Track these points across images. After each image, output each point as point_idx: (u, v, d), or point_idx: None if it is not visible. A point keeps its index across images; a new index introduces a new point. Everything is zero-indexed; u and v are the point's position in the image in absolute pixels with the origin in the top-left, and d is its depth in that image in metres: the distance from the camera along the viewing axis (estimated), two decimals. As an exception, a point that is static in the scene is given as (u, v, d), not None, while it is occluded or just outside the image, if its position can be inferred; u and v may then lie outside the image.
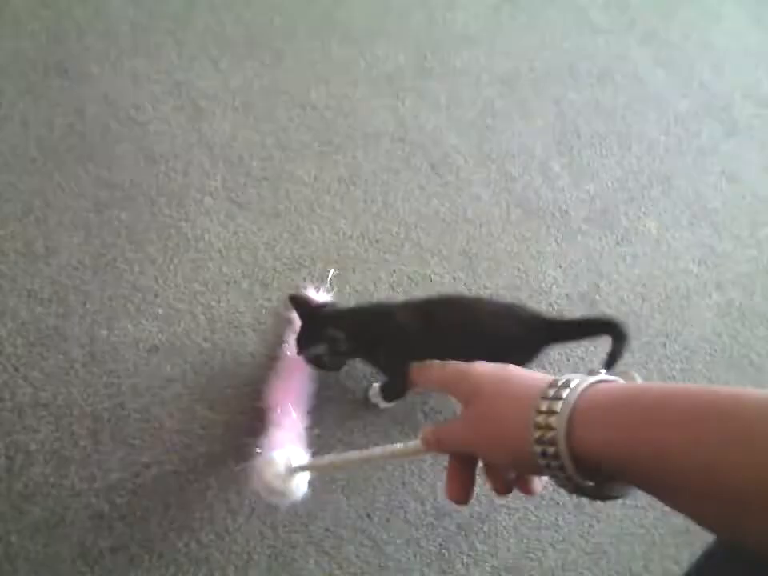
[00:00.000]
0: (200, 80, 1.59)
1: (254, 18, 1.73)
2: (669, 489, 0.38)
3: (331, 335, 1.02)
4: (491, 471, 0.50)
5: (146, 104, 1.51)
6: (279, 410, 1.04)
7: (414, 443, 0.54)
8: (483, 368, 0.50)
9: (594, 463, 0.40)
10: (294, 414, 1.03)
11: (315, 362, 1.08)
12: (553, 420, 0.41)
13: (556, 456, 0.41)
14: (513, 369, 0.49)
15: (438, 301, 1.13)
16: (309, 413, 1.08)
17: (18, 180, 1.35)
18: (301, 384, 1.12)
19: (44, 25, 1.60)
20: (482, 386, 0.48)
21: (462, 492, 0.50)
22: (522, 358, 1.07)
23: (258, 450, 0.96)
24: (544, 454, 0.41)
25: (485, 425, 0.47)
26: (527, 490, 0.50)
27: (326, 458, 0.71)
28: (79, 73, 1.53)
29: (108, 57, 1.57)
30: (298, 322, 1.11)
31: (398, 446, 0.58)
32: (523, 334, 1.06)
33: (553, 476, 0.42)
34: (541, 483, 0.51)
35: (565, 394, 0.42)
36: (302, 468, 0.85)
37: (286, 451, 0.92)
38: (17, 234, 1.29)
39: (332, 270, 1.33)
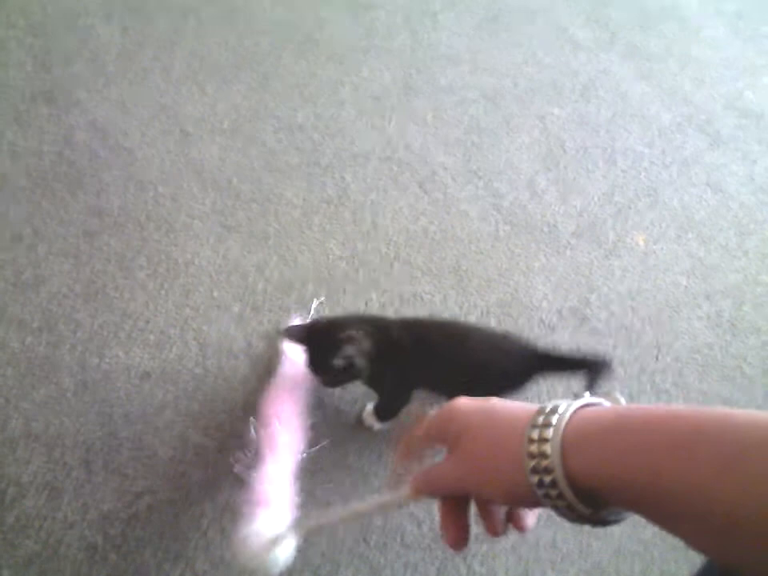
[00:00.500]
0: (187, 104, 1.59)
1: (239, 42, 1.74)
2: (662, 513, 0.38)
3: (351, 335, 0.98)
4: (485, 511, 0.49)
5: (134, 130, 1.52)
6: (272, 443, 1.01)
7: (403, 491, 0.52)
8: (467, 405, 0.49)
9: (590, 489, 0.40)
10: (287, 441, 1.01)
11: (335, 377, 1.04)
12: (546, 447, 0.40)
13: (553, 484, 0.40)
14: (496, 401, 0.48)
15: (432, 323, 1.14)
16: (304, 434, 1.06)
17: (6, 209, 1.35)
18: (297, 407, 1.09)
19: (31, 53, 1.61)
20: (469, 423, 0.47)
21: (460, 536, 0.49)
22: (512, 388, 1.08)
23: (246, 508, 0.89)
24: (541, 484, 0.40)
25: (477, 460, 0.46)
26: (521, 526, 0.49)
27: (312, 522, 0.67)
28: (67, 100, 1.54)
29: (95, 84, 1.58)
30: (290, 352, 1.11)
31: (386, 497, 0.56)
32: (513, 365, 1.07)
33: (552, 506, 0.41)
34: (533, 518, 0.50)
35: (554, 420, 0.41)
36: (285, 536, 0.77)
37: (266, 521, 0.86)
38: (6, 262, 1.29)
39: (315, 300, 1.32)
